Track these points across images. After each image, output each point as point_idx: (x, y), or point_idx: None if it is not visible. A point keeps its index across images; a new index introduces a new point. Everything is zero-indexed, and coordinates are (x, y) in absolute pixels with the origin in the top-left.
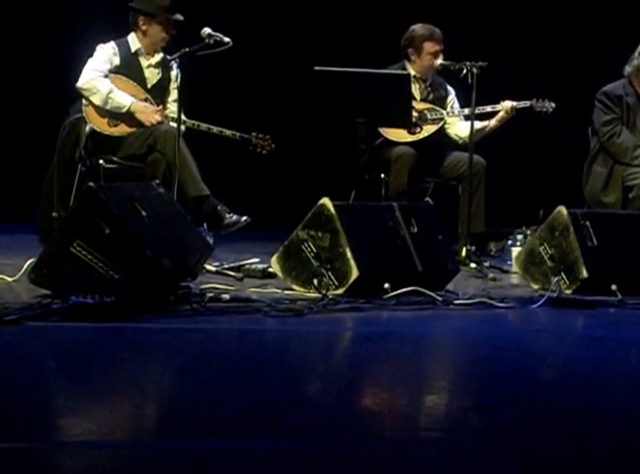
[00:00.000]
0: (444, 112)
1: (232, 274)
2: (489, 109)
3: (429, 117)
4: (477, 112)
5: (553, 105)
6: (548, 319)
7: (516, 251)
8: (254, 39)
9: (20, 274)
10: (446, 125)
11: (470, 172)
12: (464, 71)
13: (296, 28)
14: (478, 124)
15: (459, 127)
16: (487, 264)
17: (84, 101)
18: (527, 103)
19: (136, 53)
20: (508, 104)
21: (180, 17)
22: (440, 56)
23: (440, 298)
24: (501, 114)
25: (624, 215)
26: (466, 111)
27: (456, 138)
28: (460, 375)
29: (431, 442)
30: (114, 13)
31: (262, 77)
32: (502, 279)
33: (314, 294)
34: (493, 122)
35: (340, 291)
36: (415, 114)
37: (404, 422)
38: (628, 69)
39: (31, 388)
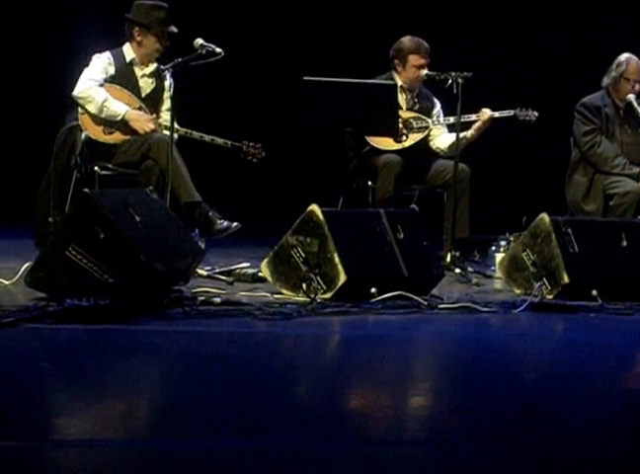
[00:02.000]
0: (430, 120)
1: (223, 278)
2: (474, 117)
3: (414, 125)
4: (462, 120)
5: (536, 114)
6: (530, 323)
7: (499, 257)
8: (245, 50)
9: (16, 277)
10: (429, 138)
11: (455, 179)
12: (449, 81)
13: (287, 38)
14: (450, 136)
15: (440, 140)
16: (471, 269)
17: (80, 109)
18: (511, 112)
19: (131, 63)
20: (486, 113)
21: (174, 29)
22: (426, 68)
23: (425, 302)
24: (478, 123)
25: (605, 223)
26: (451, 119)
27: (438, 151)
28: (444, 377)
29: (416, 443)
30: (110, 23)
31: (253, 87)
32: (485, 284)
33: (303, 298)
34: (471, 132)
35: (328, 295)
36: (401, 122)
37: (390, 423)
38: (606, 81)
39: (26, 388)
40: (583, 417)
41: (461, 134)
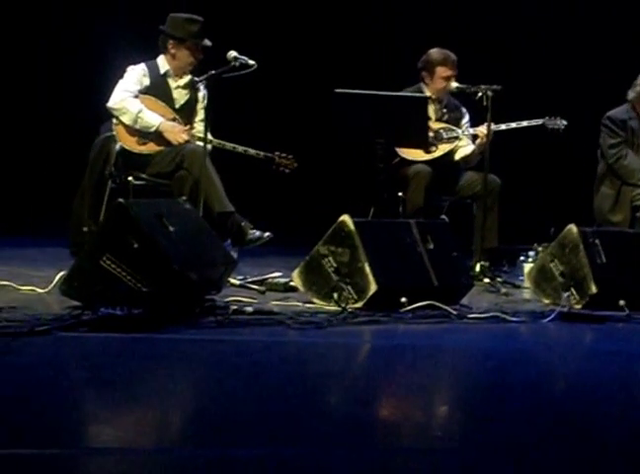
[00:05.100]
0: (460, 130)
1: (255, 287)
2: (472, 131)
3: (444, 136)
4: (466, 134)
5: (565, 122)
6: (559, 333)
7: (527, 267)
8: (278, 62)
9: (51, 286)
10: (455, 148)
11: (485, 190)
12: (479, 94)
13: (318, 50)
14: (468, 150)
15: (460, 151)
16: (500, 279)
17: (114, 120)
18: (540, 121)
19: (165, 75)
20: (482, 130)
21: (208, 43)
22: (453, 80)
23: (454, 312)
24: (479, 140)
25: (632, 234)
26: (476, 129)
27: (460, 161)
28: (473, 387)
29: (445, 452)
30: (144, 36)
31: (285, 98)
32: (514, 294)
33: (334, 308)
34: (474, 148)
35: (359, 305)
36: (430, 133)
37: (419, 431)
38: (631, 94)
39: (61, 396)
40: (611, 425)
41: (470, 148)
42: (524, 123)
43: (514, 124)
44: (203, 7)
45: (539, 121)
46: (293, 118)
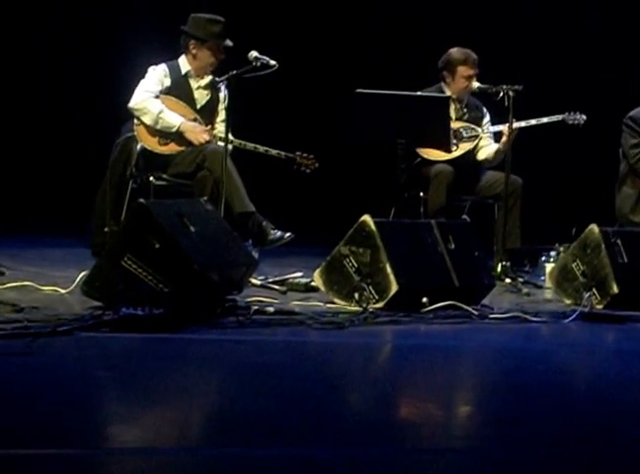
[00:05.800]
0: (479, 129)
1: (276, 287)
2: (501, 127)
3: (464, 134)
4: (488, 133)
5: (584, 117)
6: (580, 333)
7: (549, 267)
8: (298, 62)
9: (73, 286)
10: (476, 148)
11: (507, 191)
12: (501, 94)
13: (341, 50)
14: (491, 149)
15: (484, 150)
16: (521, 279)
17: (135, 120)
18: (560, 116)
19: (186, 75)
20: (505, 126)
21: (229, 43)
22: (475, 79)
23: (475, 312)
24: (504, 138)
25: None
26: (501, 127)
27: (483, 161)
28: (494, 387)
29: (465, 452)
30: (165, 35)
31: (306, 98)
32: (535, 294)
33: (355, 308)
34: (498, 146)
35: (380, 305)
36: (451, 132)
37: (440, 431)
38: None
39: (82, 396)
40: (632, 426)
41: (495, 146)
42: (545, 120)
43: (534, 121)
44: (225, 7)
45: (559, 117)
46: (314, 118)
